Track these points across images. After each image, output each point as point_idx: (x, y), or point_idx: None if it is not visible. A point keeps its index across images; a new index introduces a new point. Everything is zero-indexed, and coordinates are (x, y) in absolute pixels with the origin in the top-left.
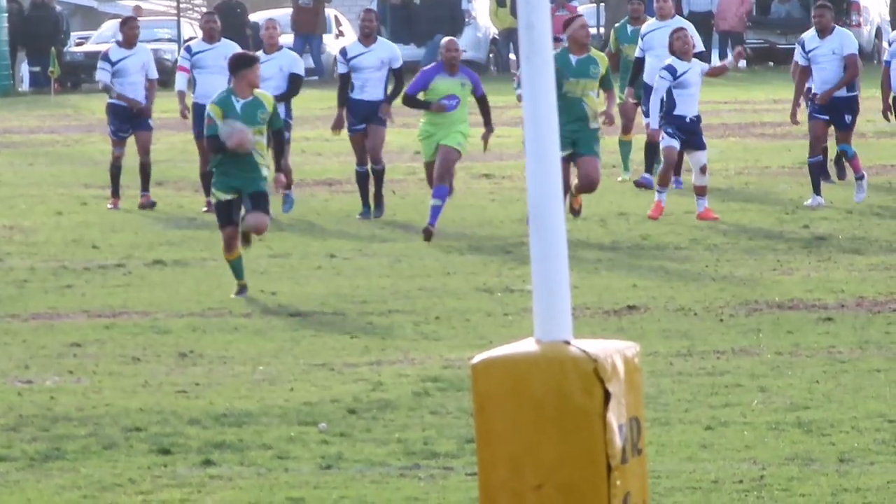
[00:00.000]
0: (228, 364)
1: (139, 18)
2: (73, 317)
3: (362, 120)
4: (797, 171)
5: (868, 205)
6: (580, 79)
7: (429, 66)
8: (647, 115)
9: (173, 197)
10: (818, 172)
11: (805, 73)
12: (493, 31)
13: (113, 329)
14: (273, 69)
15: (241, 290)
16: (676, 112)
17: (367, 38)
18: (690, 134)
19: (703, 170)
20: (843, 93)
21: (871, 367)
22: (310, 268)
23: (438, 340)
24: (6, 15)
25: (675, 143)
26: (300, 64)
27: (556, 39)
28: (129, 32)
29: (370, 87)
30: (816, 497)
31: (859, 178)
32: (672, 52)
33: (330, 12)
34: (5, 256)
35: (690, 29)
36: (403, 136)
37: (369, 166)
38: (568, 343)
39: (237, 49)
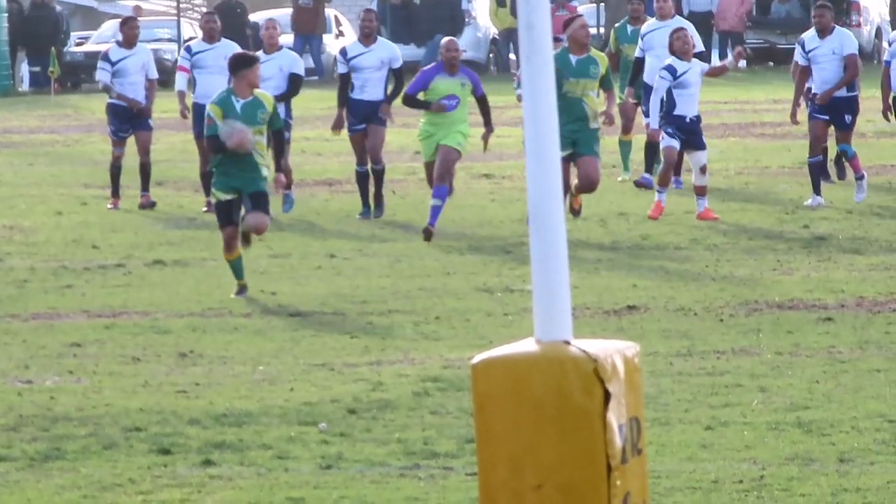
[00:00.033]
0: (228, 364)
1: (139, 18)
2: (73, 317)
3: (362, 120)
4: (797, 171)
5: (868, 205)
6: (580, 79)
7: (429, 67)
8: (647, 115)
9: (173, 197)
10: (818, 172)
11: (805, 73)
12: (493, 31)
13: (113, 329)
14: (273, 69)
15: (241, 290)
16: (676, 112)
17: (367, 37)
18: (690, 134)
19: (702, 170)
20: (842, 93)
21: (871, 367)
22: (310, 268)
23: (438, 340)
24: (6, 15)
25: (675, 143)
26: (300, 64)
27: (556, 39)
28: (130, 32)
29: (370, 87)
30: (816, 497)
31: (859, 178)
32: (672, 52)
33: (330, 12)
34: (5, 256)
35: (690, 29)
36: (403, 136)
37: (369, 166)
38: (568, 343)
39: (237, 49)
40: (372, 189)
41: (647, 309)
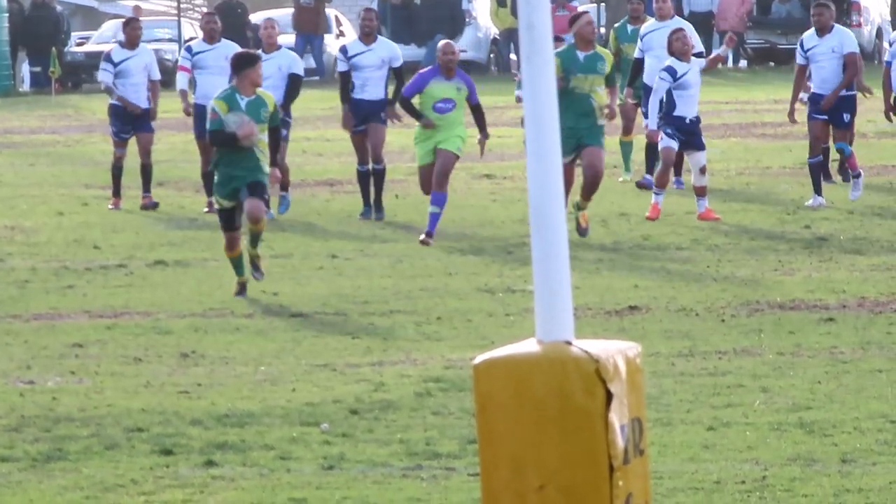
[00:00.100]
0: (230, 364)
1: (139, 19)
2: (75, 317)
3: (363, 120)
4: (798, 172)
5: (869, 205)
6: (588, 74)
7: (425, 69)
8: (646, 116)
9: (174, 197)
10: (819, 172)
11: (803, 71)
12: (494, 32)
13: (115, 329)
14: (272, 69)
15: (241, 288)
16: (676, 113)
17: (367, 37)
18: (690, 135)
19: (702, 170)
20: (842, 92)
21: (873, 368)
22: (311, 268)
23: (440, 341)
24: (7, 15)
25: (674, 144)
26: (299, 64)
27: (557, 39)
28: (132, 33)
29: (371, 87)
30: (819, 498)
31: (856, 175)
32: (671, 52)
33: (331, 12)
34: (7, 257)
35: (689, 29)
36: (404, 136)
37: (370, 166)
38: (570, 343)
39: (238, 49)
40: (372, 193)
41: (649, 309)
